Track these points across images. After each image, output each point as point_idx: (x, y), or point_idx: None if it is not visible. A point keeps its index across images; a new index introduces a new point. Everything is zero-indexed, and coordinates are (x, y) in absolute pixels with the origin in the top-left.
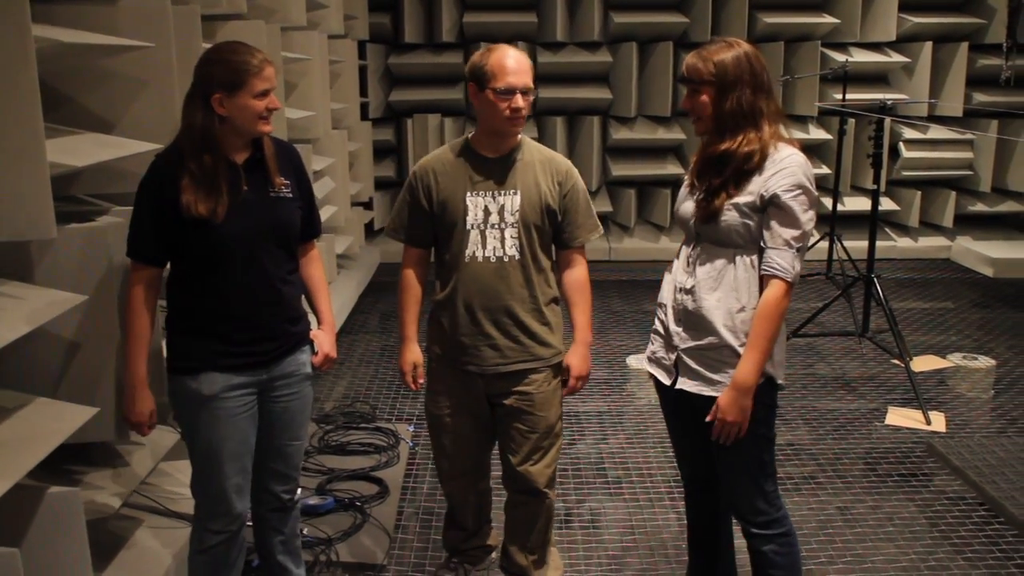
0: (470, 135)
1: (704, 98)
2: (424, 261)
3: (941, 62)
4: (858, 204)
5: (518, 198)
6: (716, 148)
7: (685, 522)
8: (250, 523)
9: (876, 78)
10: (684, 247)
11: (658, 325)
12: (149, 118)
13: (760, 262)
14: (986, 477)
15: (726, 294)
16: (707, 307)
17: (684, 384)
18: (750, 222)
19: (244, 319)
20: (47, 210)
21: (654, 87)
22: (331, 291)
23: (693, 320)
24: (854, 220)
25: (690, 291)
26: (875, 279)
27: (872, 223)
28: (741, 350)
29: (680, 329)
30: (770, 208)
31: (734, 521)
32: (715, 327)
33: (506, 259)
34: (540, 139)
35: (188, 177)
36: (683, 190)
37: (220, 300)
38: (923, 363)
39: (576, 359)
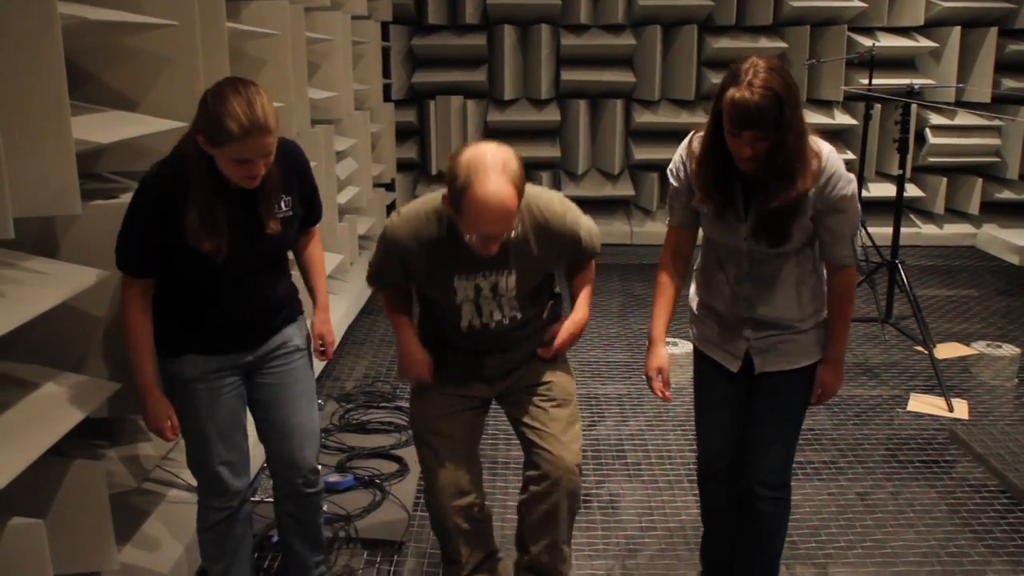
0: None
1: (768, 143)
2: (409, 295)
3: (969, 47)
4: (883, 190)
5: (513, 278)
6: (783, 197)
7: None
8: (269, 499)
9: (903, 63)
10: (727, 258)
11: (710, 314)
12: (173, 97)
13: (819, 253)
14: (1009, 465)
15: (787, 292)
16: (773, 311)
17: (765, 367)
18: (807, 231)
19: (228, 324)
20: (72, 186)
21: (678, 70)
22: (351, 272)
23: (760, 322)
24: (878, 206)
25: (750, 298)
26: (899, 265)
27: (897, 208)
28: (808, 325)
29: (748, 329)
30: (831, 214)
31: None
32: (785, 322)
33: (506, 321)
34: (563, 122)
35: (195, 210)
36: (704, 208)
37: (206, 306)
38: (946, 350)
39: (561, 326)
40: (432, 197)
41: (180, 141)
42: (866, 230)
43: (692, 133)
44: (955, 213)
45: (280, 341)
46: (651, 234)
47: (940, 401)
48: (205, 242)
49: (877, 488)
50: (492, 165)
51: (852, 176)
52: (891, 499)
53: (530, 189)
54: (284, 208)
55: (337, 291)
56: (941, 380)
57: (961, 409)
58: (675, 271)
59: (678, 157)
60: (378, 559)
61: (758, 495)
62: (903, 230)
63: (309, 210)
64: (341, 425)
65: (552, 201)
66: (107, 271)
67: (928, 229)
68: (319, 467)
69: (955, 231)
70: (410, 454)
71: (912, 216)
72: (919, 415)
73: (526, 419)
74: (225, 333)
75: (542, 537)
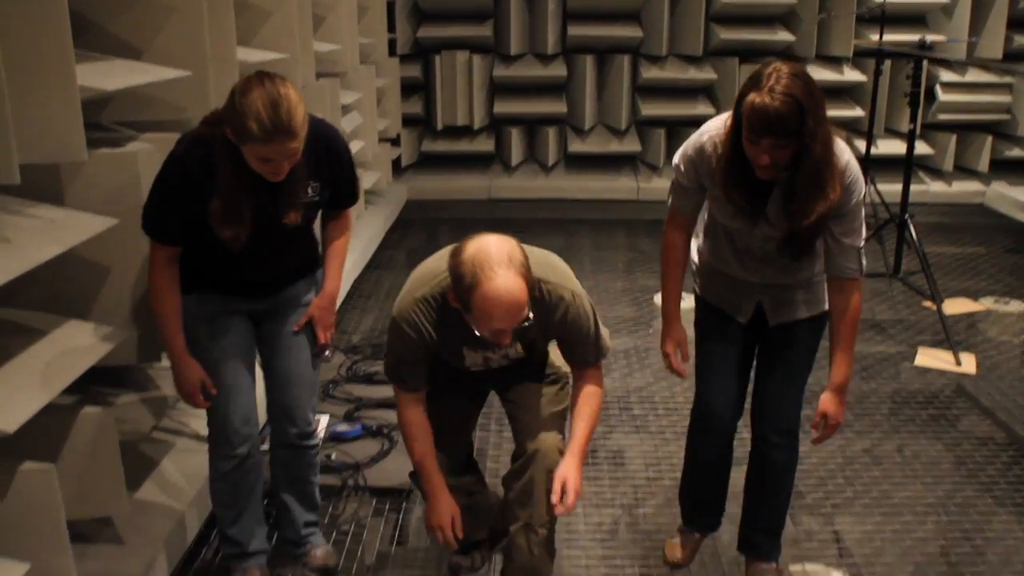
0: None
1: (787, 151)
2: (425, 396)
3: (982, 2)
4: (891, 147)
5: (521, 346)
6: (818, 212)
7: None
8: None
9: (914, 19)
10: (737, 239)
11: (717, 273)
12: (177, 45)
13: (824, 265)
14: (1015, 418)
15: (799, 272)
16: (788, 277)
17: (779, 319)
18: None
19: (241, 282)
20: (77, 133)
21: (686, 25)
22: (358, 226)
23: (773, 284)
24: (887, 163)
25: (761, 271)
26: (909, 219)
27: (907, 163)
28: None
29: (760, 291)
30: (843, 220)
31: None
32: (800, 280)
33: (512, 361)
34: (569, 78)
35: (219, 199)
36: (725, 206)
37: (221, 264)
38: (954, 306)
39: (572, 473)
40: (434, 275)
41: (209, 121)
42: (875, 186)
43: (705, 133)
44: (964, 171)
45: (292, 293)
46: (658, 190)
47: (948, 355)
48: (226, 230)
49: (883, 441)
50: (498, 260)
51: (863, 186)
52: (897, 452)
53: (552, 275)
54: (310, 194)
55: None
56: (949, 335)
57: (969, 363)
58: (681, 246)
59: (687, 156)
60: (386, 507)
61: (771, 442)
62: (911, 187)
63: (339, 193)
64: (348, 376)
65: (581, 313)
66: (113, 219)
67: (936, 186)
68: (315, 422)
69: (964, 189)
70: None
71: (921, 173)
72: (926, 369)
73: (509, 395)
74: (237, 287)
75: (519, 516)
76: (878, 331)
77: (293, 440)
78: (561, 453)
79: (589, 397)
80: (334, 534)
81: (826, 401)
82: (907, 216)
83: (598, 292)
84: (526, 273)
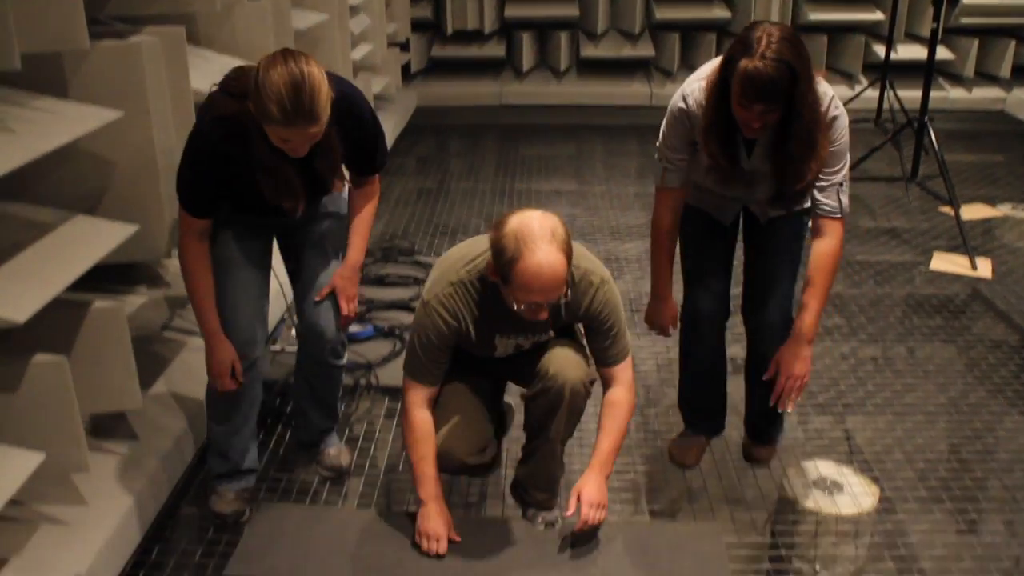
0: (484, 270)
1: (777, 115)
2: (434, 398)
3: None
4: (911, 52)
5: (552, 333)
6: (804, 173)
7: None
8: (292, 347)
9: None
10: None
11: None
12: None
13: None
14: None
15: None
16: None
17: (766, 218)
18: None
19: (266, 212)
20: (79, 20)
21: None
22: None
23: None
24: (906, 69)
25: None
26: (928, 122)
27: (928, 66)
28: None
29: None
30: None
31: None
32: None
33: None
34: None
35: (267, 174)
36: (696, 166)
37: (245, 206)
38: (972, 211)
39: (589, 487)
40: (467, 259)
41: (231, 90)
42: (894, 91)
43: (687, 96)
44: (985, 77)
45: (315, 210)
46: (671, 96)
47: (964, 260)
48: (285, 202)
49: (895, 344)
50: (541, 235)
51: (846, 120)
52: (909, 355)
53: (584, 260)
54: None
55: None
56: (966, 239)
57: (985, 267)
58: (670, 228)
59: (673, 121)
60: (398, 407)
61: (764, 336)
62: (931, 94)
63: (360, 155)
64: (360, 279)
65: (610, 299)
66: (118, 111)
67: (956, 93)
68: (345, 340)
69: (984, 95)
70: None
71: (940, 80)
72: (941, 274)
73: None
74: (260, 216)
75: (538, 434)
76: (892, 237)
77: (325, 358)
78: (586, 388)
79: (616, 407)
80: (347, 433)
81: (787, 351)
82: (926, 119)
83: (610, 198)
84: (567, 250)
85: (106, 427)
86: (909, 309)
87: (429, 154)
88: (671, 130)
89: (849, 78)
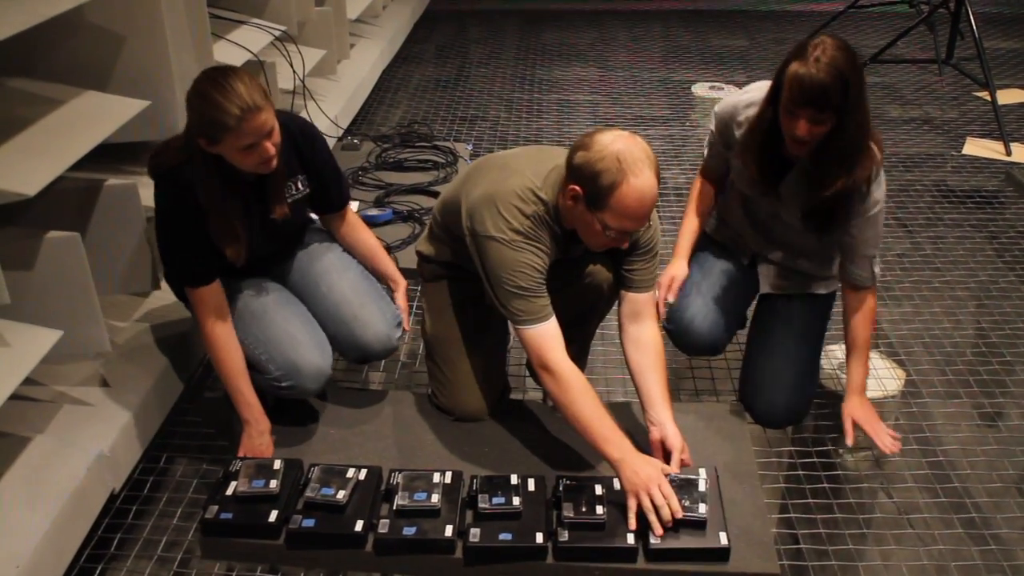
0: (550, 199)
1: (825, 127)
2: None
3: None
4: None
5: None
6: (838, 185)
7: None
8: None
9: None
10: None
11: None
12: None
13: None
14: None
15: (812, 255)
16: (793, 263)
17: (768, 286)
18: None
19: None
20: None
21: None
22: (385, 18)
23: (774, 262)
24: None
25: (769, 249)
26: (964, 1)
27: None
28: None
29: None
30: (860, 217)
31: None
32: (803, 271)
33: None
34: None
35: (211, 214)
36: (743, 172)
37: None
38: (1008, 96)
39: (672, 432)
40: (521, 192)
41: (175, 147)
42: None
43: (749, 105)
44: None
45: (294, 247)
46: None
47: (998, 145)
48: (226, 248)
49: (925, 229)
50: (642, 158)
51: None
52: (938, 239)
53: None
54: (301, 188)
55: (369, 35)
56: (1001, 123)
57: (1019, 152)
58: (708, 195)
59: (722, 115)
60: (418, 287)
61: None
62: None
63: (326, 183)
64: (378, 164)
65: (655, 234)
66: None
67: None
68: (397, 336)
69: None
70: None
71: None
72: (974, 159)
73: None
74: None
75: (572, 327)
76: (923, 121)
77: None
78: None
79: (651, 346)
80: None
81: (852, 407)
82: None
83: (633, 84)
84: (659, 175)
85: (126, 308)
86: (939, 195)
87: (447, 41)
88: (718, 119)
89: None
